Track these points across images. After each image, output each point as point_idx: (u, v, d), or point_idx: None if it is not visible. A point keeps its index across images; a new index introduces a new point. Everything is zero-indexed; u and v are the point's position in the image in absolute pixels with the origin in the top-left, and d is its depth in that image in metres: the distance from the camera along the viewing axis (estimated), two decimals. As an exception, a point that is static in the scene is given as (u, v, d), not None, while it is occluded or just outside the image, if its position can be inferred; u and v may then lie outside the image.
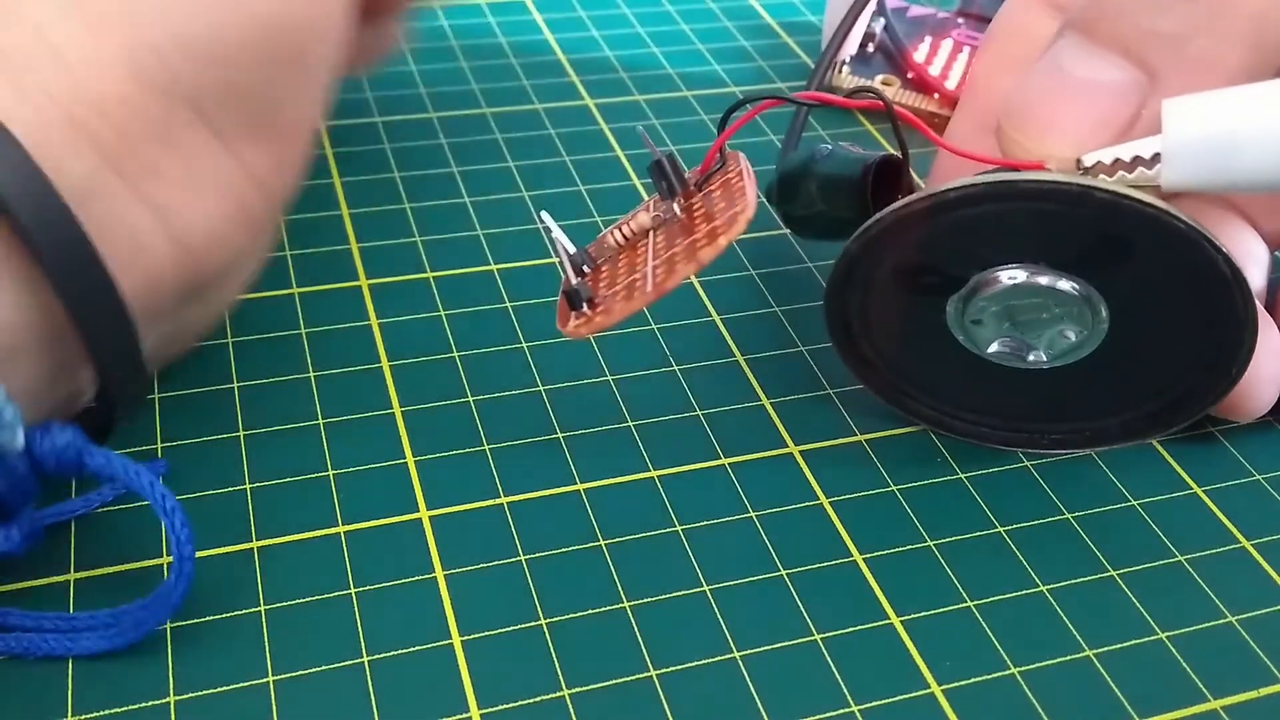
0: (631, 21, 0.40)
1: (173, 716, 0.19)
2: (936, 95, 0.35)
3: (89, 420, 0.21)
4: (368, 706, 0.19)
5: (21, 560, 0.21)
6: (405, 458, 0.24)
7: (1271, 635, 0.21)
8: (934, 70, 0.36)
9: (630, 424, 0.25)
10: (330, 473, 0.23)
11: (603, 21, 0.40)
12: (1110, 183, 0.20)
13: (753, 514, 0.23)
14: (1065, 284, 0.22)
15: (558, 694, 0.20)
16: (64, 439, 0.19)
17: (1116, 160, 0.21)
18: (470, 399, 0.25)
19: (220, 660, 0.20)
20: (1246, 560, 0.23)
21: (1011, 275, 0.22)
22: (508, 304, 0.28)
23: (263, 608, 0.21)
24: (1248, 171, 0.20)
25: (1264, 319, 0.23)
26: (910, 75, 0.36)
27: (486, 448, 0.24)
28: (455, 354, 0.26)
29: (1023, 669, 0.21)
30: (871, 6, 0.36)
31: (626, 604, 0.21)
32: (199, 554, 0.21)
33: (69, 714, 0.19)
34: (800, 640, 0.21)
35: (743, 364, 0.27)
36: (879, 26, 0.37)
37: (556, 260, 0.22)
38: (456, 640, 0.20)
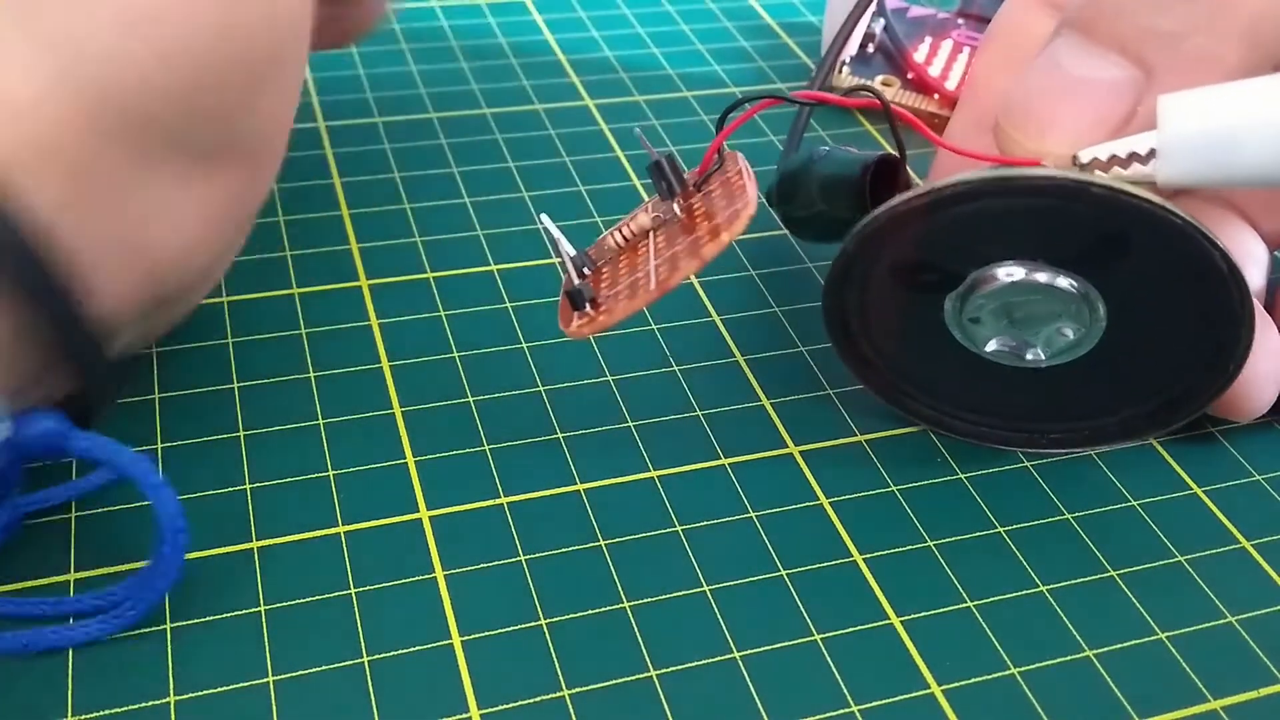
0: (631, 21, 0.40)
1: (173, 716, 0.19)
2: (936, 96, 0.35)
3: (74, 404, 0.20)
4: (368, 706, 0.19)
5: (21, 559, 0.21)
6: (405, 458, 0.24)
7: (1271, 635, 0.21)
8: (934, 71, 0.36)
9: (630, 424, 0.25)
10: (330, 473, 0.23)
11: (603, 21, 0.40)
12: (1107, 178, 0.21)
13: (753, 514, 0.23)
14: (1063, 281, 0.22)
15: (558, 694, 0.20)
16: (46, 426, 0.19)
17: (1113, 156, 0.21)
18: (470, 399, 0.25)
19: (220, 660, 0.20)
20: (1246, 560, 0.23)
21: (1009, 272, 0.22)
22: (508, 304, 0.28)
23: (263, 608, 0.21)
24: (1243, 166, 0.20)
25: (1262, 318, 0.23)
26: (910, 76, 0.36)
27: (486, 448, 0.24)
28: (455, 354, 0.26)
29: (1023, 669, 0.21)
30: (872, 7, 0.36)
31: (626, 604, 0.21)
32: (199, 554, 0.21)
33: (69, 714, 0.19)
34: (800, 640, 0.21)
35: (743, 364, 0.27)
36: (879, 27, 0.37)
37: (558, 261, 0.22)
38: (456, 640, 0.20)
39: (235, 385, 0.25)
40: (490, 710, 0.19)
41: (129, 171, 0.19)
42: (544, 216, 0.22)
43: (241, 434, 0.24)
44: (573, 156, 0.33)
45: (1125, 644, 0.21)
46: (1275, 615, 0.22)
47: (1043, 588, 0.22)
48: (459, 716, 0.19)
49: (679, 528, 0.23)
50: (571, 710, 0.20)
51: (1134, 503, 0.24)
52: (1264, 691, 0.20)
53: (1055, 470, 0.24)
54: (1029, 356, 0.23)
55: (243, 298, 0.27)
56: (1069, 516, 0.23)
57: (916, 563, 0.22)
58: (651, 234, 0.23)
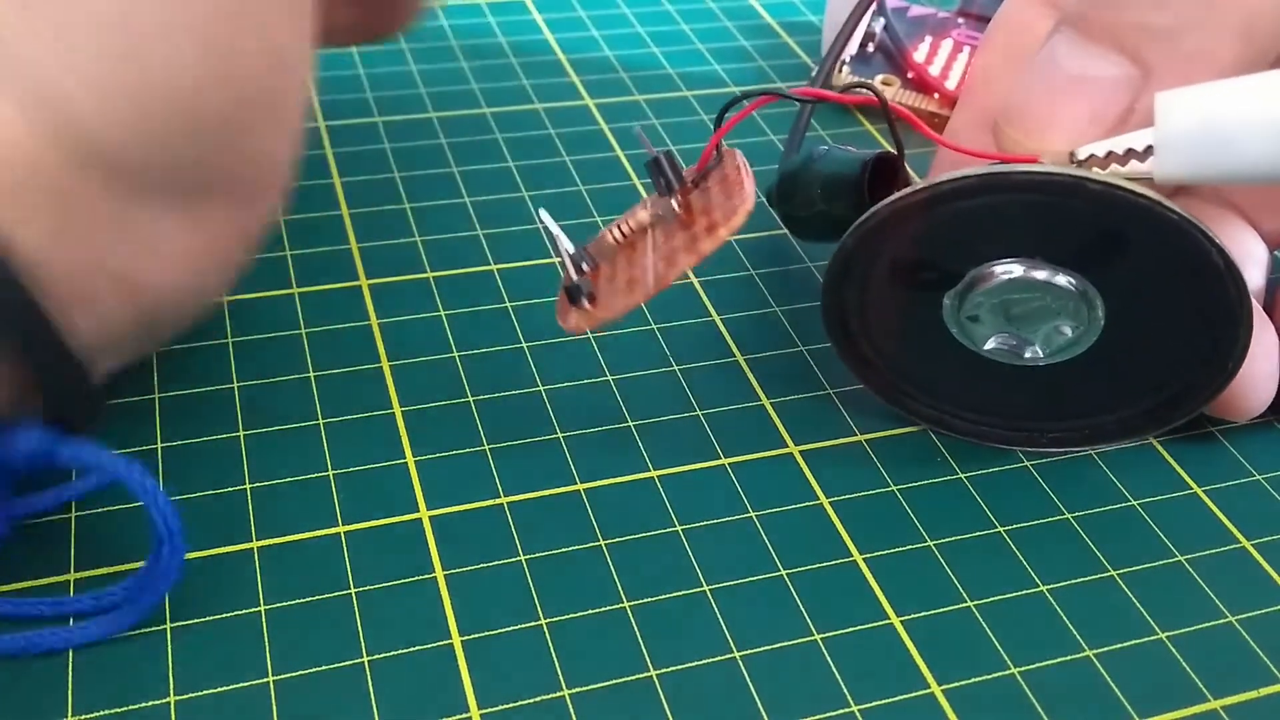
0: (631, 21, 0.40)
1: (173, 716, 0.19)
2: (936, 95, 0.35)
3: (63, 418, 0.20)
4: (368, 706, 0.19)
5: (21, 559, 0.21)
6: (405, 458, 0.24)
7: (1271, 635, 0.21)
8: (934, 70, 0.36)
9: (630, 424, 0.25)
10: (330, 473, 0.23)
11: (603, 21, 0.40)
12: (1103, 175, 0.21)
13: (753, 514, 0.23)
14: (1061, 278, 0.22)
15: (558, 694, 0.20)
16: (31, 444, 0.19)
17: (1109, 153, 0.21)
18: (470, 399, 0.25)
19: (220, 660, 0.20)
20: (1246, 560, 0.23)
21: (1007, 270, 0.22)
22: (508, 304, 0.28)
23: (263, 608, 0.21)
24: (1240, 163, 0.20)
25: (1260, 319, 0.23)
26: (910, 75, 0.36)
27: (486, 448, 0.24)
28: (455, 354, 0.26)
29: (1023, 669, 0.21)
30: (872, 6, 0.36)
31: (626, 604, 0.21)
32: (199, 554, 0.21)
33: (69, 714, 0.19)
34: (800, 640, 0.21)
35: (743, 364, 0.27)
36: (879, 26, 0.37)
37: (556, 257, 0.22)
38: (456, 640, 0.20)
39: (235, 385, 0.25)
40: (490, 710, 0.19)
41: (115, 207, 0.18)
42: (542, 212, 0.22)
43: (241, 434, 0.24)
44: (573, 156, 0.33)
45: (1125, 644, 0.21)
46: (1275, 615, 0.22)
47: (1043, 588, 0.22)
48: (459, 716, 0.19)
49: (679, 528, 0.23)
50: (571, 710, 0.20)
51: (1134, 503, 0.24)
52: (1264, 691, 0.20)
53: (1055, 470, 0.24)
54: (1028, 355, 0.23)
55: (243, 297, 0.27)
56: (1069, 516, 0.23)
57: (916, 563, 0.22)
58: (650, 230, 0.23)
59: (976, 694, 0.20)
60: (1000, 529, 0.23)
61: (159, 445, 0.23)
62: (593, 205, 0.31)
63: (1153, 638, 0.21)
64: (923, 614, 0.21)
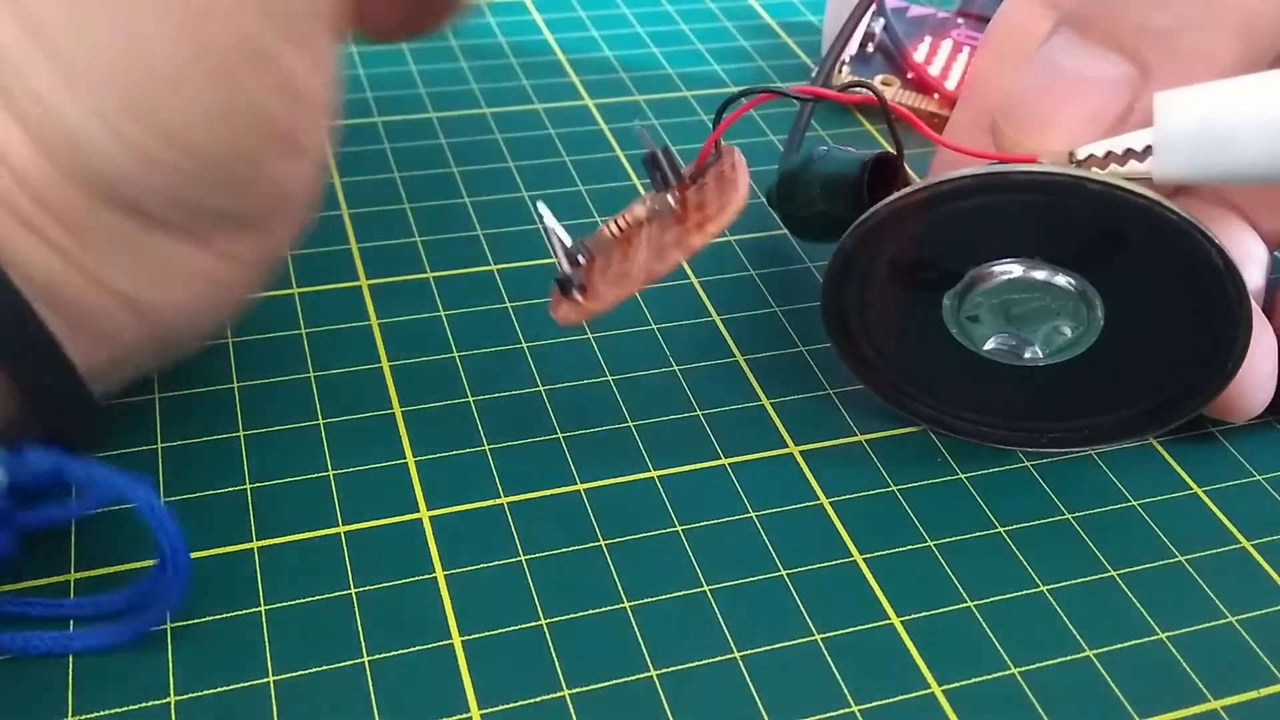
0: (631, 21, 0.40)
1: (173, 716, 0.19)
2: (936, 95, 0.35)
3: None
4: (368, 706, 0.19)
5: (21, 559, 0.21)
6: (405, 458, 0.24)
7: (1271, 635, 0.21)
8: (934, 70, 0.36)
9: (630, 424, 0.25)
10: (330, 473, 0.23)
11: (603, 21, 0.40)
12: (1103, 175, 0.21)
13: (753, 514, 0.23)
14: (1060, 279, 0.22)
15: (558, 694, 0.20)
16: (41, 465, 0.18)
17: (1109, 153, 0.21)
18: (470, 399, 0.25)
19: (220, 660, 0.20)
20: (1246, 560, 0.23)
21: (1006, 270, 0.22)
22: (508, 304, 0.28)
23: (263, 608, 0.21)
24: (1239, 163, 0.20)
25: (1259, 319, 0.23)
26: (910, 75, 0.36)
27: (486, 448, 0.24)
28: (455, 354, 0.26)
29: (1023, 669, 0.21)
30: (872, 6, 0.36)
31: (626, 604, 0.21)
32: (199, 554, 0.21)
33: (69, 714, 0.19)
34: (800, 640, 0.21)
35: (743, 364, 0.27)
36: (879, 26, 0.37)
37: (550, 248, 0.22)
38: (456, 640, 0.20)
39: (235, 385, 0.25)
40: (490, 710, 0.19)
41: (127, 234, 0.18)
42: (541, 205, 0.22)
43: (241, 434, 0.24)
44: (573, 156, 0.33)
45: (1125, 644, 0.21)
46: (1275, 615, 0.22)
47: (1043, 588, 0.22)
48: (459, 716, 0.19)
49: (679, 528, 0.23)
50: (571, 710, 0.20)
51: (1134, 503, 0.24)
52: (1264, 691, 0.20)
53: (1055, 470, 0.24)
54: (1027, 355, 0.23)
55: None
56: (1069, 516, 0.23)
57: (916, 563, 0.22)
58: (646, 225, 0.23)
59: (976, 694, 0.20)
60: (1000, 529, 0.23)
61: (159, 445, 0.23)
62: (592, 205, 0.31)
63: (1153, 638, 0.21)
64: (923, 614, 0.21)
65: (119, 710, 0.19)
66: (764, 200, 0.30)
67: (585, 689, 0.20)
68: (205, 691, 0.19)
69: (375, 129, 0.34)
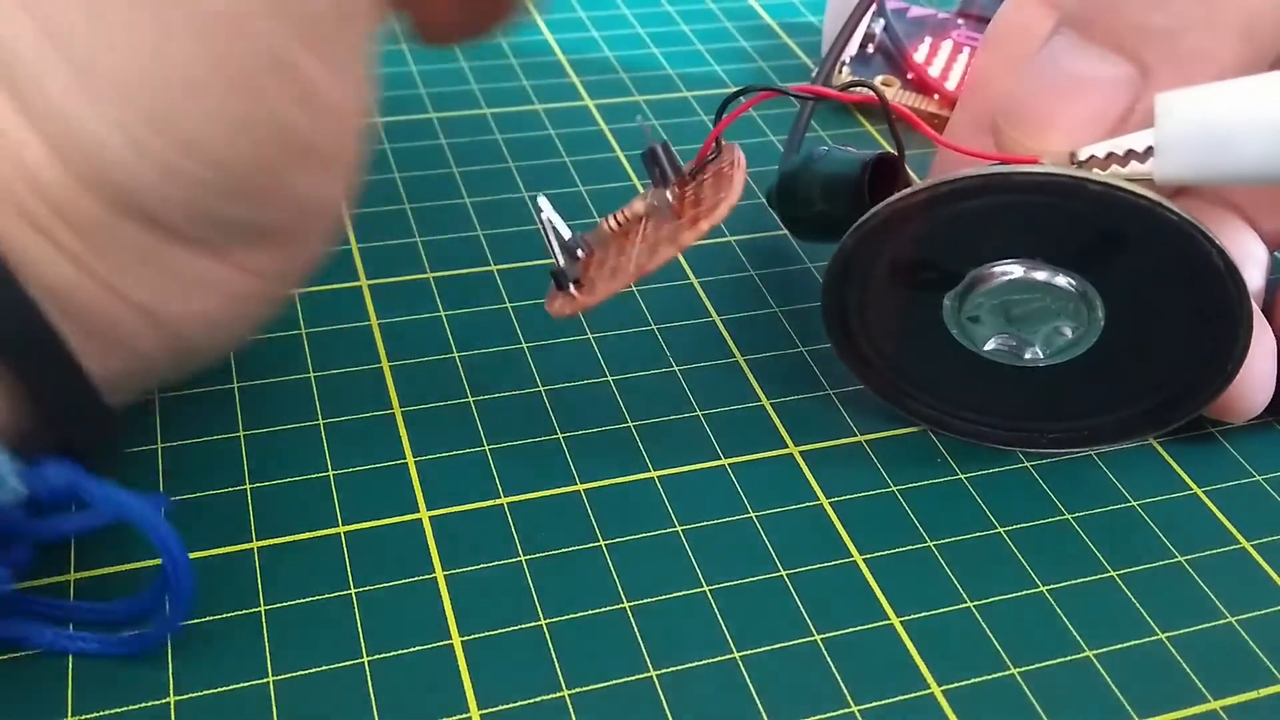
0: (631, 21, 0.40)
1: (173, 716, 0.19)
2: (936, 96, 0.35)
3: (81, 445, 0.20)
4: (368, 706, 0.19)
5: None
6: (405, 458, 0.24)
7: (1271, 635, 0.21)
8: (934, 71, 0.36)
9: (630, 424, 0.25)
10: (330, 473, 0.23)
11: (603, 21, 0.40)
12: (1104, 176, 0.21)
13: (753, 514, 0.23)
14: (1061, 279, 0.22)
15: (558, 694, 0.20)
16: (59, 480, 0.18)
17: (1110, 154, 0.21)
18: (470, 399, 0.25)
19: (220, 660, 0.20)
20: (1246, 560, 0.23)
21: (1007, 270, 0.22)
22: (508, 304, 0.28)
23: (263, 608, 0.21)
24: (1240, 164, 0.20)
25: (1259, 320, 0.23)
26: (910, 76, 0.36)
27: (486, 448, 0.24)
28: (455, 354, 0.26)
29: (1023, 669, 0.21)
30: (872, 7, 0.36)
31: (626, 604, 0.21)
32: (199, 554, 0.21)
33: (69, 714, 0.19)
34: (800, 640, 0.21)
35: (743, 364, 0.27)
36: (879, 27, 0.37)
37: (545, 240, 0.22)
38: (456, 640, 0.20)
39: (235, 385, 0.25)
40: (490, 710, 0.19)
41: (145, 246, 0.18)
42: (542, 199, 0.22)
43: (241, 434, 0.24)
44: (573, 156, 0.33)
45: (1125, 644, 0.21)
46: (1275, 615, 0.22)
47: (1043, 588, 0.22)
48: (459, 716, 0.19)
49: (679, 528, 0.23)
50: (571, 710, 0.20)
51: (1134, 503, 0.24)
52: (1264, 691, 0.20)
53: (1055, 470, 0.24)
54: (1027, 355, 0.23)
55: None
56: (1069, 516, 0.23)
57: (916, 562, 0.22)
58: (644, 220, 0.23)
59: (976, 694, 0.20)
60: (1000, 529, 0.23)
61: (159, 445, 0.23)
62: (592, 205, 0.31)
63: (1153, 638, 0.21)
64: (923, 614, 0.21)
65: (119, 710, 0.19)
66: (764, 200, 0.30)
67: (585, 689, 0.20)
68: (205, 691, 0.19)
69: (375, 129, 0.34)
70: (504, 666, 0.20)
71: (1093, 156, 0.21)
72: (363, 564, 0.22)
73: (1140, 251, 0.21)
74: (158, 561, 0.21)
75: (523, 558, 0.22)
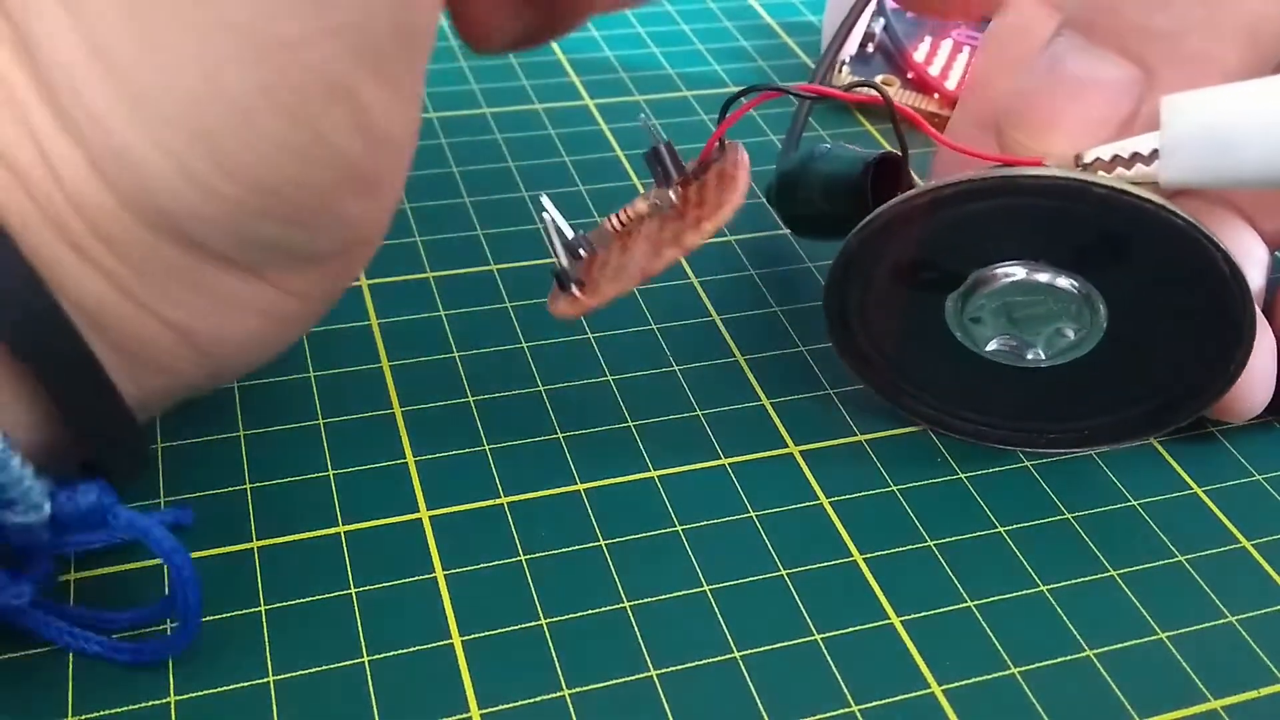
0: (631, 21, 0.40)
1: (173, 716, 0.19)
2: (936, 95, 0.35)
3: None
4: (368, 706, 0.19)
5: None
6: (405, 458, 0.24)
7: (1271, 635, 0.21)
8: (934, 70, 0.36)
9: (630, 424, 0.25)
10: (330, 473, 0.23)
11: (603, 21, 0.40)
12: (1109, 178, 0.21)
13: (753, 514, 0.23)
14: (1064, 281, 0.22)
15: (558, 694, 0.20)
16: (89, 501, 0.18)
17: (1115, 157, 0.21)
18: (470, 399, 0.25)
19: (220, 660, 0.20)
20: (1246, 560, 0.23)
21: (1010, 272, 0.22)
22: (508, 304, 0.28)
23: (263, 608, 0.21)
24: (1246, 168, 0.20)
25: (1259, 320, 0.23)
26: (910, 75, 0.36)
27: (486, 448, 0.24)
28: (455, 354, 0.26)
29: (1023, 669, 0.21)
30: (872, 6, 0.36)
31: (626, 604, 0.21)
32: (199, 554, 0.21)
33: (69, 714, 0.19)
34: (800, 640, 0.21)
35: (743, 364, 0.27)
36: (879, 26, 0.37)
37: (548, 242, 0.22)
38: (456, 640, 0.20)
39: (235, 385, 0.25)
40: (490, 710, 0.19)
41: (183, 266, 0.18)
42: (545, 198, 0.22)
43: (241, 434, 0.24)
44: (573, 156, 0.33)
45: (1125, 644, 0.21)
46: (1275, 615, 0.22)
47: (1043, 588, 0.22)
48: (459, 716, 0.19)
49: (679, 528, 0.23)
50: (571, 710, 0.20)
51: (1134, 503, 0.24)
52: (1264, 691, 0.20)
53: (1055, 470, 0.24)
54: (1029, 356, 0.23)
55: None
56: (1069, 516, 0.23)
57: (916, 562, 0.22)
58: (646, 220, 0.23)
59: (976, 694, 0.20)
60: (1000, 529, 0.23)
61: (159, 445, 0.23)
62: (593, 205, 0.31)
63: (1153, 638, 0.21)
64: (923, 614, 0.21)
65: (119, 710, 0.19)
66: (764, 199, 0.30)
67: (585, 689, 0.20)
68: (205, 691, 0.19)
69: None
70: (504, 666, 0.20)
71: (1098, 159, 0.21)
72: (363, 564, 0.22)
73: (1144, 254, 0.21)
74: (158, 561, 0.21)
75: (523, 558, 0.22)
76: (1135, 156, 0.20)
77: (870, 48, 0.37)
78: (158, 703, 0.19)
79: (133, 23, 0.16)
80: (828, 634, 0.21)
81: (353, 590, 0.21)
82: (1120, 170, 0.21)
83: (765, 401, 0.26)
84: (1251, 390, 0.24)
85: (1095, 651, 0.21)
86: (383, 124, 0.18)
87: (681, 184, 0.23)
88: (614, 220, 0.23)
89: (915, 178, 0.25)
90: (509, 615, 0.21)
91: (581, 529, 0.23)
